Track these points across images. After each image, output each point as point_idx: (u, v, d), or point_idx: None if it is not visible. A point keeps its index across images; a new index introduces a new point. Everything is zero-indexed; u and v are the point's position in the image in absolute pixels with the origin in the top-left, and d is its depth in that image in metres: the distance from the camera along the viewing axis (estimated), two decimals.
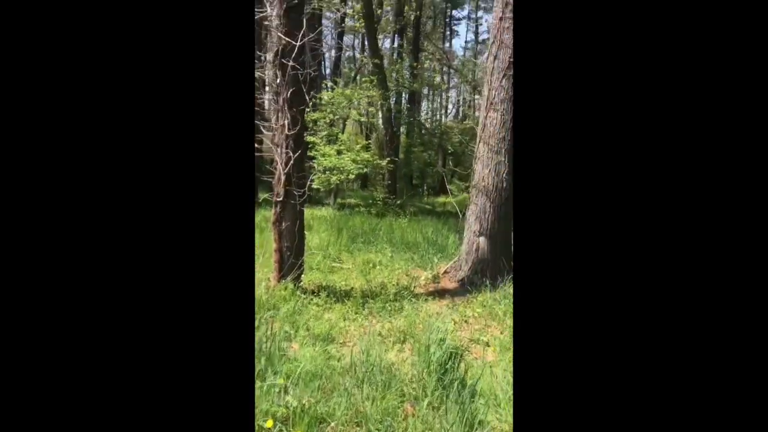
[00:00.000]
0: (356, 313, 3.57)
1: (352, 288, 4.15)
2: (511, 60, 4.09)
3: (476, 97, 19.31)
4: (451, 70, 19.73)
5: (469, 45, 25.73)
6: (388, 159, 8.68)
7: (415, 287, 4.23)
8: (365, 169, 8.23)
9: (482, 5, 21.50)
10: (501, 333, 3.37)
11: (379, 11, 10.78)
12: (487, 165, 4.24)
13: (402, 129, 12.09)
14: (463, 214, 4.74)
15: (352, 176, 8.16)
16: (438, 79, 15.10)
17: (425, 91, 20.00)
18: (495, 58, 4.18)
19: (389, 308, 3.68)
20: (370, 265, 4.96)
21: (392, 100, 9.47)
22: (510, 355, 2.93)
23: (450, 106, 24.05)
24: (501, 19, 4.13)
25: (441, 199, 11.95)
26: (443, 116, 22.26)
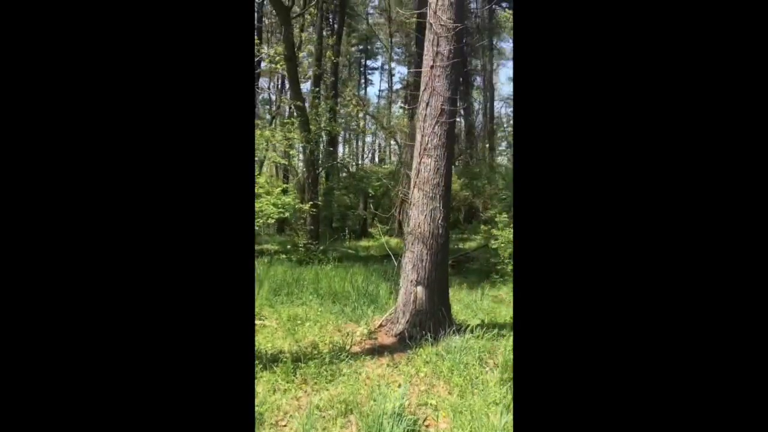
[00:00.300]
0: (288, 383, 3.10)
1: (281, 351, 3.65)
2: (443, 107, 4.11)
3: (392, 142, 19.93)
4: (368, 116, 20.25)
5: (384, 93, 26.82)
6: (311, 203, 8.34)
7: (351, 345, 3.85)
8: (287, 214, 7.78)
9: (395, 57, 22.68)
10: (449, 393, 3.11)
11: (300, 55, 10.71)
12: (423, 211, 4.12)
13: (321, 172, 11.87)
14: (399, 262, 4.53)
15: (272, 221, 7.65)
16: (359, 123, 15.28)
17: (341, 135, 20.21)
18: (427, 105, 4.16)
19: (325, 373, 3.26)
20: (297, 321, 4.49)
21: (314, 143, 9.25)
22: (465, 420, 2.67)
23: (366, 151, 24.54)
24: (432, 67, 4.16)
25: (363, 242, 11.76)
26: (361, 160, 22.57)
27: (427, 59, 4.22)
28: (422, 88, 4.27)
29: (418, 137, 4.24)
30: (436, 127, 4.13)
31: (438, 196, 4.11)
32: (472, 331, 3.96)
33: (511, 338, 3.96)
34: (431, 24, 4.20)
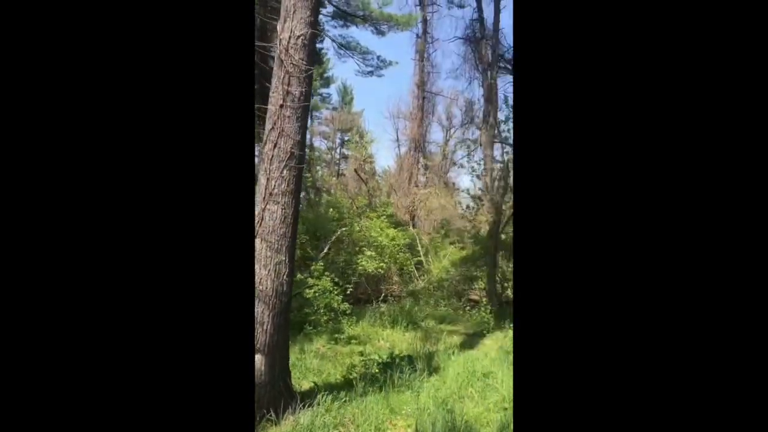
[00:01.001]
0: None
1: None
2: (293, 150, 3.75)
3: None
4: None
5: None
6: None
7: None
8: None
9: None
10: None
11: None
12: (266, 265, 3.57)
13: None
14: None
15: None
16: None
17: None
18: (275, 146, 3.73)
19: None
20: None
21: None
22: None
23: None
24: (282, 106, 3.79)
25: None
26: None
27: (276, 97, 3.84)
28: (269, 126, 3.83)
29: (263, 180, 3.74)
30: (285, 171, 3.72)
31: (284, 249, 3.65)
32: (319, 403, 3.53)
33: (356, 404, 3.70)
34: (282, 61, 3.86)
